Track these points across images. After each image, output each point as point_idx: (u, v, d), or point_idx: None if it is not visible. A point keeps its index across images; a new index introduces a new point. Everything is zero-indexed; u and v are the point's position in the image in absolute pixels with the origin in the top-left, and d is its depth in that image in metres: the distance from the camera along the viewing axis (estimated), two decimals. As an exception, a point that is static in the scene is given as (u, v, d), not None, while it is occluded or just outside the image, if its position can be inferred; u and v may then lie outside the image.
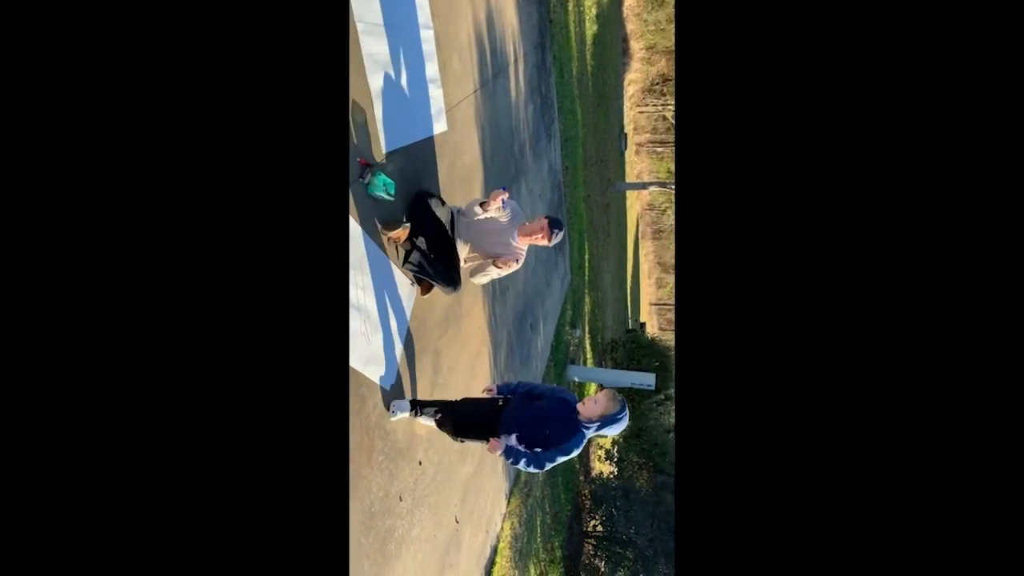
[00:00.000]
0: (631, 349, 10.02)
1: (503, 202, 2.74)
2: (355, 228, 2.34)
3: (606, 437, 2.51)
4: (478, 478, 4.08)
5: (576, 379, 7.88)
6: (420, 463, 3.02)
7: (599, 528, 7.88)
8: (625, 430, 2.63)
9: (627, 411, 2.33)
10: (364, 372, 2.43)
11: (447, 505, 3.44)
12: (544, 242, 2.70)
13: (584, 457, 8.85)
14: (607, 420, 2.29)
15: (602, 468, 9.15)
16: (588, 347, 9.09)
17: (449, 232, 2.79)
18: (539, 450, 2.33)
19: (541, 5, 6.03)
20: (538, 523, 5.93)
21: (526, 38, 5.31)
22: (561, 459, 2.36)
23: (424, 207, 2.73)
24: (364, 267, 2.42)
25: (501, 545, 4.65)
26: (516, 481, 5.24)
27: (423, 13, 3.09)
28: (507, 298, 4.79)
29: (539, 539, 5.87)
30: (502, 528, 4.76)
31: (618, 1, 14.77)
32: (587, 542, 7.85)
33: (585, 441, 2.36)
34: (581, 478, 8.39)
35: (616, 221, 14.49)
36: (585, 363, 8.78)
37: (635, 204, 20.88)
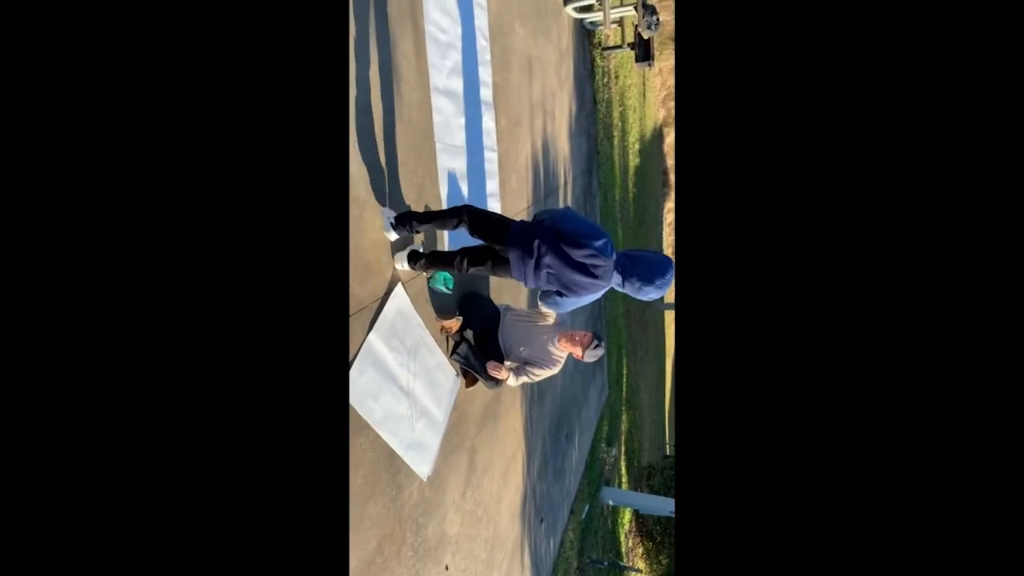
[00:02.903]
0: (669, 476, 9.40)
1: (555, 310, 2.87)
2: (414, 316, 2.51)
3: (635, 297, 2.13)
4: (502, 598, 3.77)
5: (611, 502, 7.40)
6: (447, 568, 2.88)
7: None
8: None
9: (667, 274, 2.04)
10: (404, 457, 2.45)
11: (469, 623, 3.18)
12: (578, 352, 2.63)
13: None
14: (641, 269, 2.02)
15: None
16: (623, 469, 8.63)
17: (496, 330, 2.92)
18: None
19: (590, 138, 6.68)
20: (562, 668, 5.26)
21: (576, 164, 5.84)
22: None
23: (475, 303, 2.91)
24: (417, 354, 2.54)
25: None
26: (541, 611, 4.77)
27: (489, 138, 3.54)
28: (544, 403, 4.76)
29: None
30: (523, 665, 4.26)
31: (659, 139, 16.05)
32: None
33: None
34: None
35: (655, 340, 14.40)
36: (620, 485, 8.28)
37: (673, 324, 20.78)
